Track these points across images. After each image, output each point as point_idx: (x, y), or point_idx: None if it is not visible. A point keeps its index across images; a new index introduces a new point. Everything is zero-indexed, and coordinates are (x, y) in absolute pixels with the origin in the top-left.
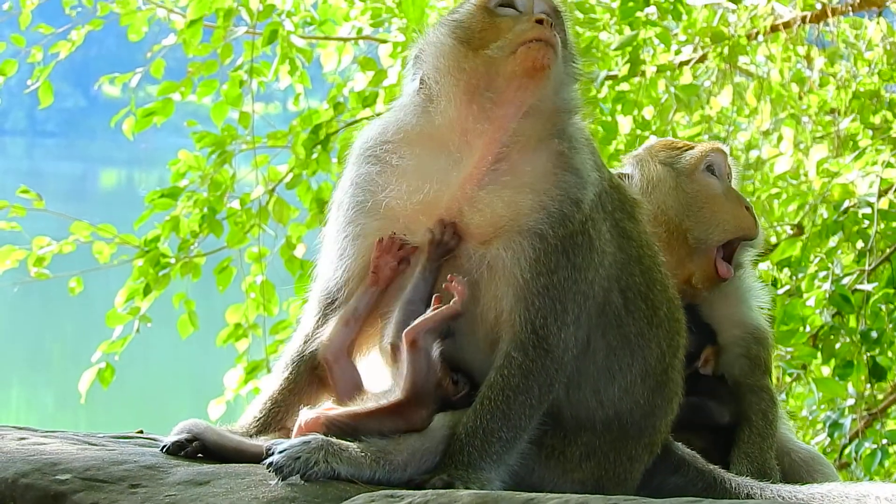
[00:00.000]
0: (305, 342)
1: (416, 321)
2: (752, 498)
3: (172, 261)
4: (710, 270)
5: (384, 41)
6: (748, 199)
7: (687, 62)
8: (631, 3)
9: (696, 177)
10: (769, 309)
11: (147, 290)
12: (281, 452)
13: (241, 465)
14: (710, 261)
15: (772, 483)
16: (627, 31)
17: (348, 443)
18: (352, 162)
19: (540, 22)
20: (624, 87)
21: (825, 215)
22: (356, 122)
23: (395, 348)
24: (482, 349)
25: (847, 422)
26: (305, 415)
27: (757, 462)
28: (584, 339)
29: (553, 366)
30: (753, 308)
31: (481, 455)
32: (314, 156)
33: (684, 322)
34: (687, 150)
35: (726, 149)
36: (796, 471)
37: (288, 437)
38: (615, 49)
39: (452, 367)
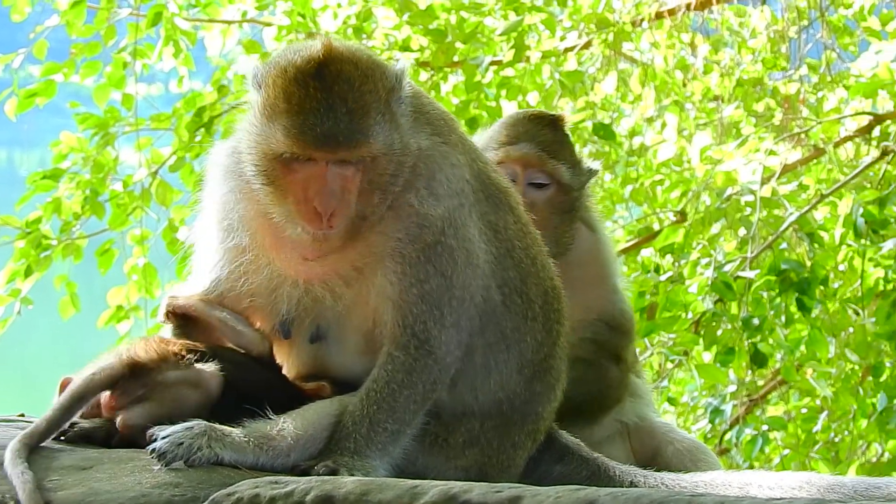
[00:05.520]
0: None
1: None
2: (636, 486)
3: (54, 242)
4: None
5: (269, 24)
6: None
7: (572, 48)
8: None
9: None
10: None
11: (28, 272)
12: (164, 438)
13: (124, 450)
14: None
15: (654, 471)
16: (512, 17)
17: (232, 428)
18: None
19: None
20: (509, 72)
21: (708, 202)
22: (240, 104)
23: None
24: (353, 355)
25: (728, 408)
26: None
27: None
28: (466, 342)
29: (436, 366)
30: (618, 292)
31: (367, 443)
32: (197, 138)
33: (565, 309)
34: (490, 150)
35: (531, 158)
36: (679, 460)
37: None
38: (500, 34)
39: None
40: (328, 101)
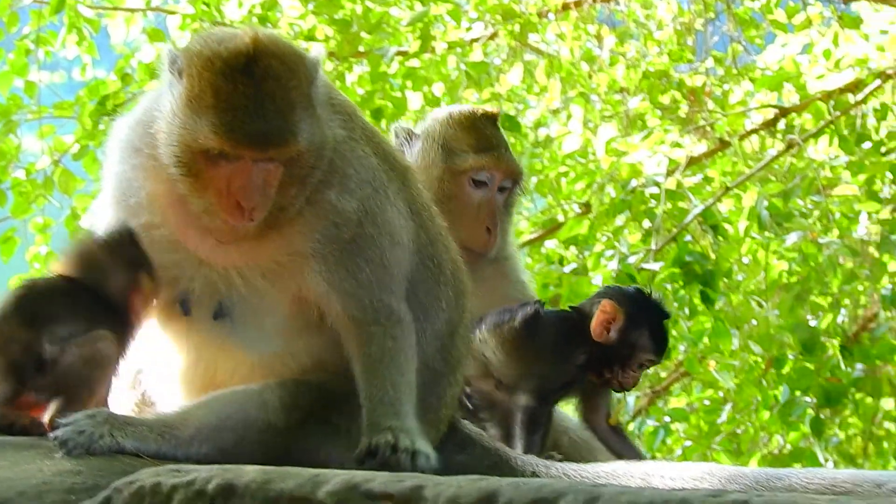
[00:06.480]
0: None
1: None
2: (538, 476)
3: None
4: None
5: (173, 13)
6: (503, 218)
7: (477, 39)
8: None
9: (460, 180)
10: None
11: None
12: (66, 426)
13: (26, 437)
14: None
15: (556, 461)
16: (418, 7)
17: (134, 417)
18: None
19: None
20: (414, 63)
21: (613, 194)
22: (143, 93)
23: None
24: (257, 334)
25: (631, 399)
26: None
27: None
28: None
29: (409, 328)
30: (524, 285)
31: (401, 402)
32: (101, 127)
33: (469, 285)
34: (469, 152)
35: (513, 165)
36: (576, 450)
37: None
38: (406, 25)
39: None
40: (257, 100)
